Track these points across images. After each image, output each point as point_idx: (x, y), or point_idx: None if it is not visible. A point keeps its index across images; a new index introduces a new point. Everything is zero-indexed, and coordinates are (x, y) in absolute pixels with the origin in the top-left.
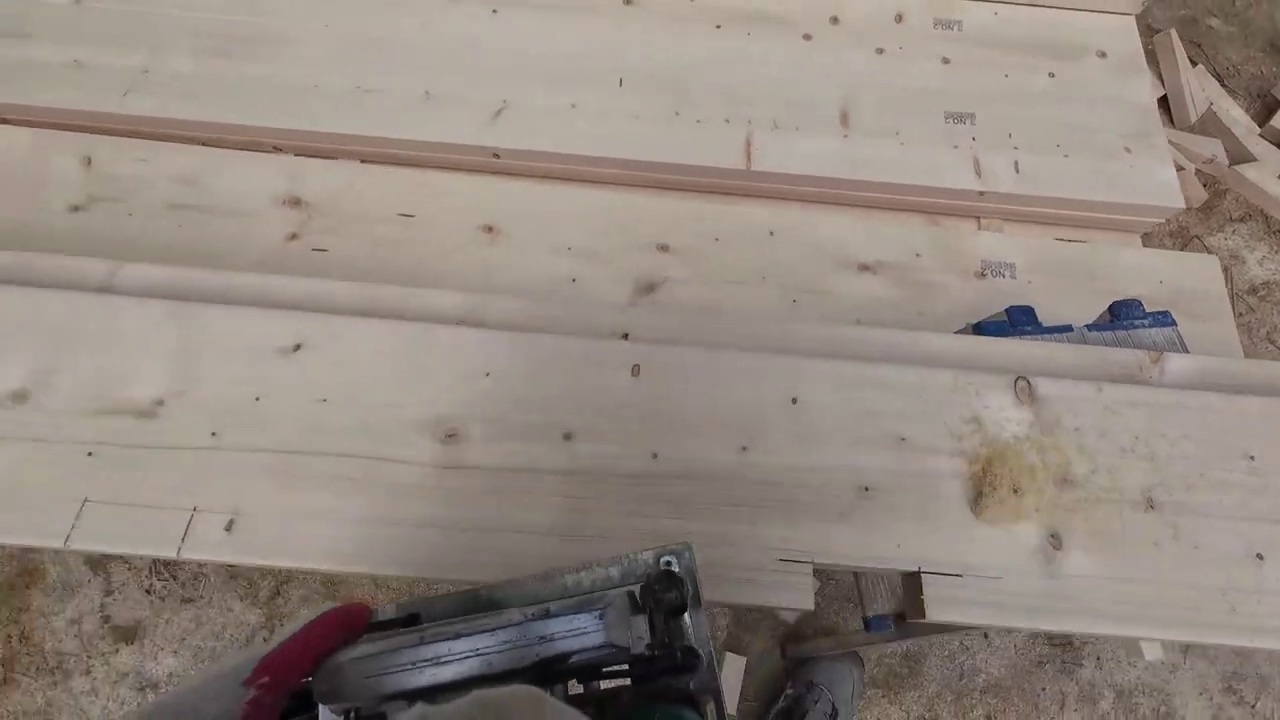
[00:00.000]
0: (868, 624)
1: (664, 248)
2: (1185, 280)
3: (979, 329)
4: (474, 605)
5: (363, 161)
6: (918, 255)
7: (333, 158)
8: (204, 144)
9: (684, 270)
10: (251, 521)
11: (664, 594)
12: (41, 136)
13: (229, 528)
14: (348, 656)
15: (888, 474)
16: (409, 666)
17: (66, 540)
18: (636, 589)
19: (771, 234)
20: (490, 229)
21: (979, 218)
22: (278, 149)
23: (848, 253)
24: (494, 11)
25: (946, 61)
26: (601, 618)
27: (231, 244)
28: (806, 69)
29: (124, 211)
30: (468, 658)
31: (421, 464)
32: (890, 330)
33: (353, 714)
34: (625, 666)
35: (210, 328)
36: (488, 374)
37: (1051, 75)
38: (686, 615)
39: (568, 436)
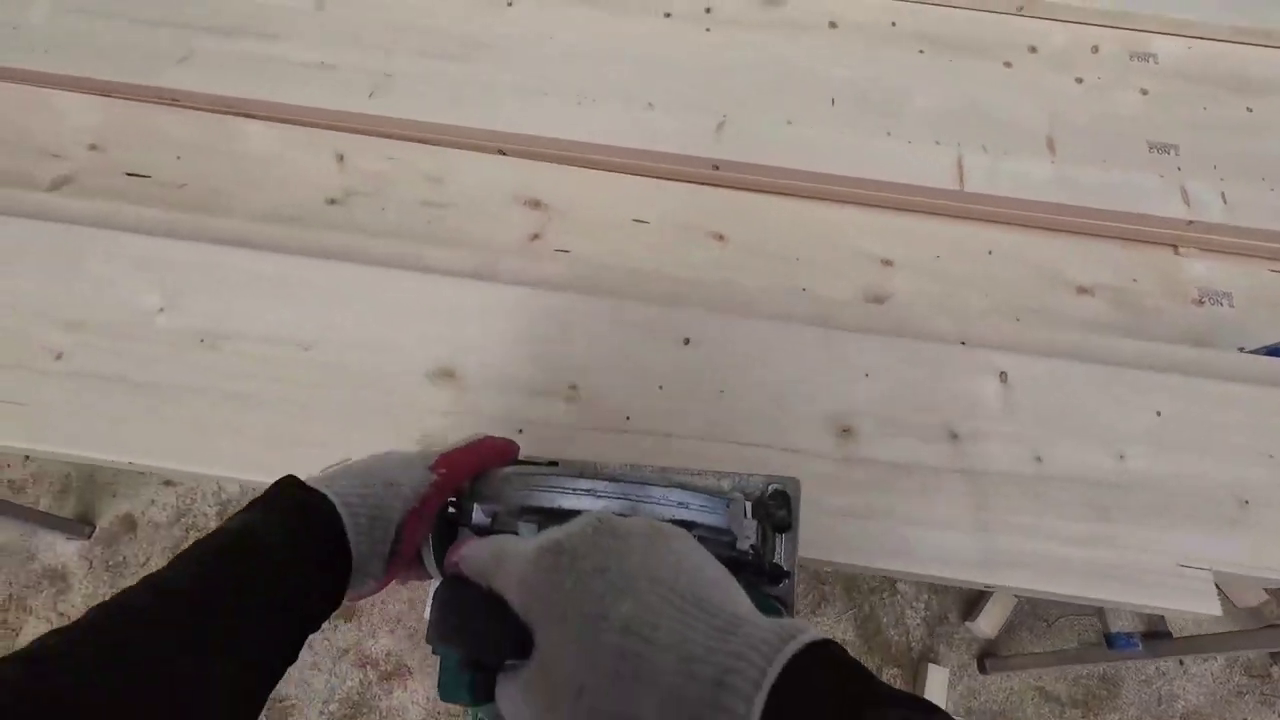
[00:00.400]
0: (1110, 641)
1: (888, 262)
2: None
3: (1271, 351)
4: (598, 474)
5: (579, 167)
6: (1134, 280)
7: (554, 162)
8: (434, 144)
9: (908, 284)
10: None
11: (775, 510)
12: (294, 132)
13: None
14: (512, 469)
15: (1265, 487)
16: (565, 490)
17: None
18: (749, 501)
19: (990, 253)
20: (721, 237)
21: (1175, 245)
22: (503, 152)
23: (1064, 274)
24: (707, 30)
25: (1145, 93)
26: (729, 506)
27: (479, 240)
28: (1010, 95)
29: (377, 206)
30: (616, 498)
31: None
32: (1230, 353)
33: (495, 519)
34: (728, 556)
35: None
36: (866, 374)
37: (1249, 110)
38: (782, 537)
39: (954, 436)
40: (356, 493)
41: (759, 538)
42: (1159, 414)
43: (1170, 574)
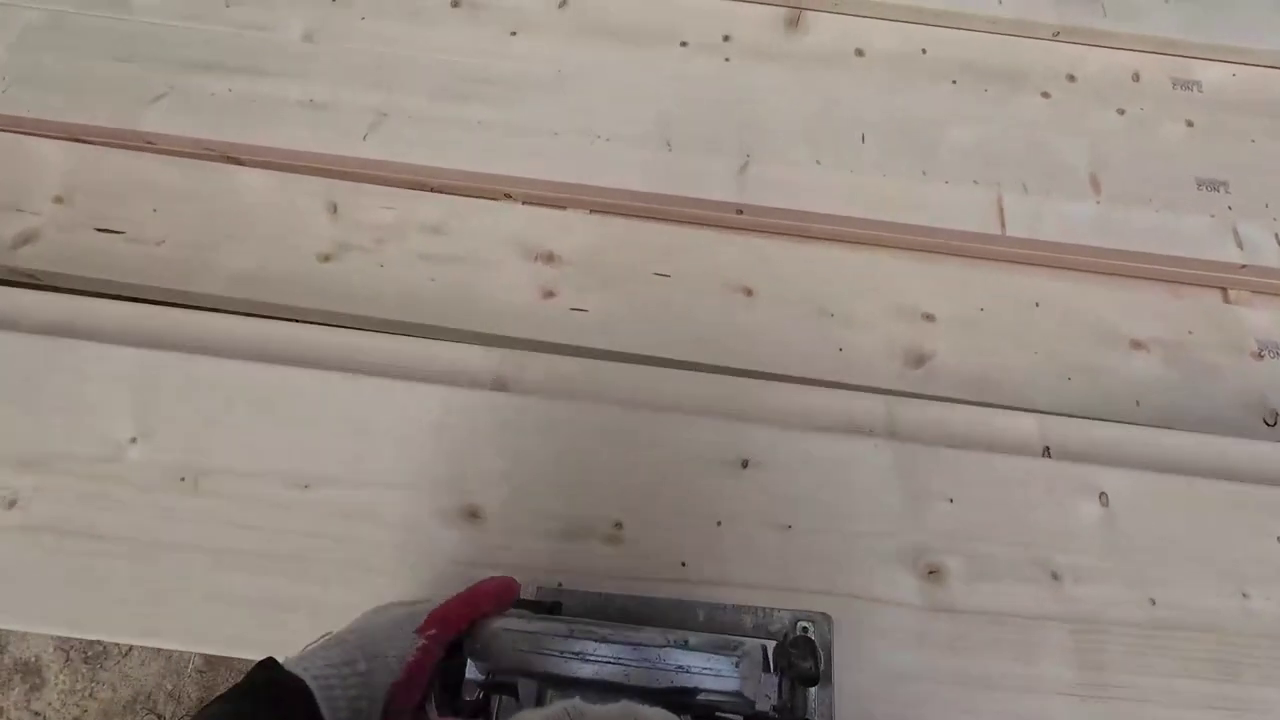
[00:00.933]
0: None
1: (929, 316)
2: None
3: None
4: (605, 610)
5: (591, 212)
6: (1190, 333)
7: (562, 208)
8: (435, 190)
9: (950, 342)
10: None
11: (800, 660)
12: (283, 179)
13: None
14: (501, 624)
15: None
16: (554, 653)
17: None
18: (770, 646)
19: (1036, 305)
20: (749, 291)
21: (1226, 289)
22: (508, 196)
23: (1115, 327)
24: (726, 60)
25: (1190, 124)
26: (738, 665)
27: (487, 301)
28: (1050, 129)
29: (375, 263)
30: (608, 663)
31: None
32: None
33: (491, 675)
34: None
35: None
36: (951, 499)
37: (1190, 125)
38: (812, 690)
39: (1055, 576)
40: (338, 674)
41: (783, 693)
42: None
43: None
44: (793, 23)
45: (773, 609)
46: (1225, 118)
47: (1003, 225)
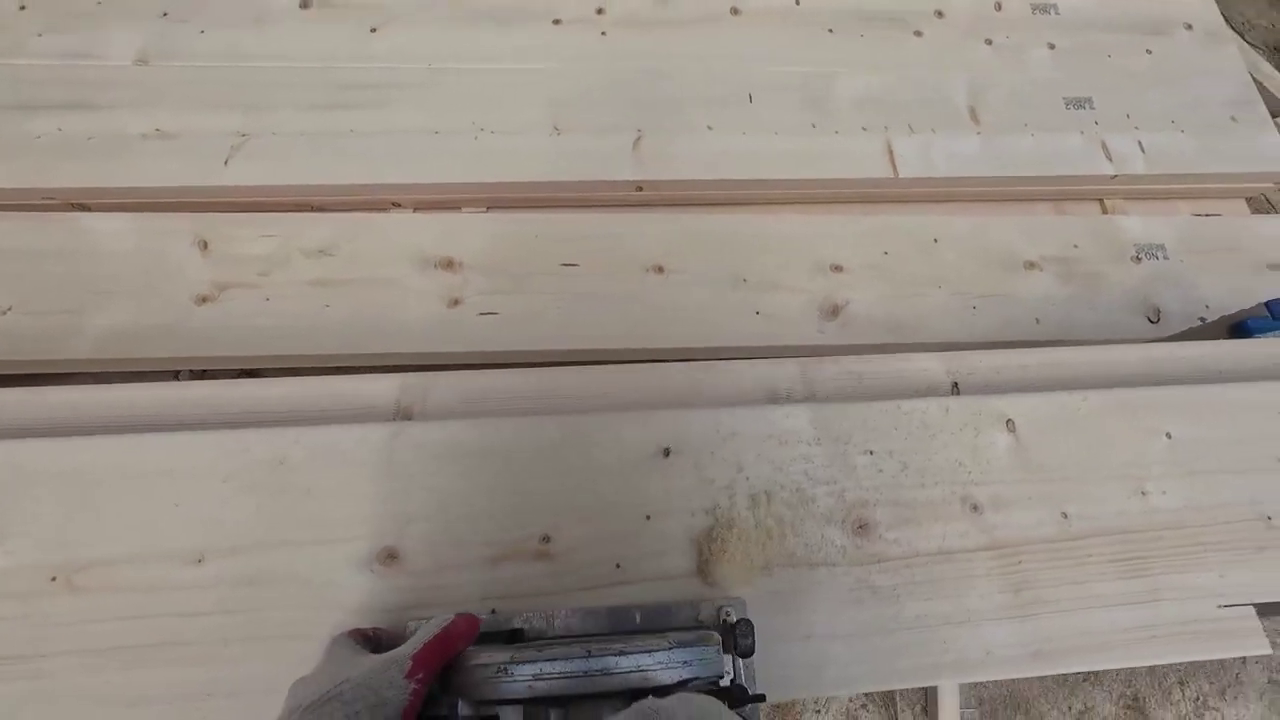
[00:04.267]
0: None
1: (838, 267)
2: None
3: (1241, 328)
4: (545, 631)
5: (489, 209)
6: (1075, 246)
7: (456, 209)
8: (316, 209)
9: (862, 290)
10: None
11: (743, 639)
12: (142, 221)
13: None
14: (480, 659)
15: None
16: (553, 676)
17: None
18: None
19: (935, 241)
20: (660, 269)
21: (1102, 200)
22: (396, 205)
23: (1011, 251)
24: (603, 34)
25: (1053, 47)
26: (718, 653)
27: (389, 321)
28: (927, 68)
29: (260, 297)
30: (630, 672)
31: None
32: (1223, 344)
33: (478, 710)
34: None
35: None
36: (870, 451)
37: (1149, 52)
38: (743, 661)
39: (975, 509)
40: None
41: (733, 668)
42: (1169, 436)
43: (1210, 619)
44: None
45: (698, 601)
46: (1083, 36)
47: (894, 169)
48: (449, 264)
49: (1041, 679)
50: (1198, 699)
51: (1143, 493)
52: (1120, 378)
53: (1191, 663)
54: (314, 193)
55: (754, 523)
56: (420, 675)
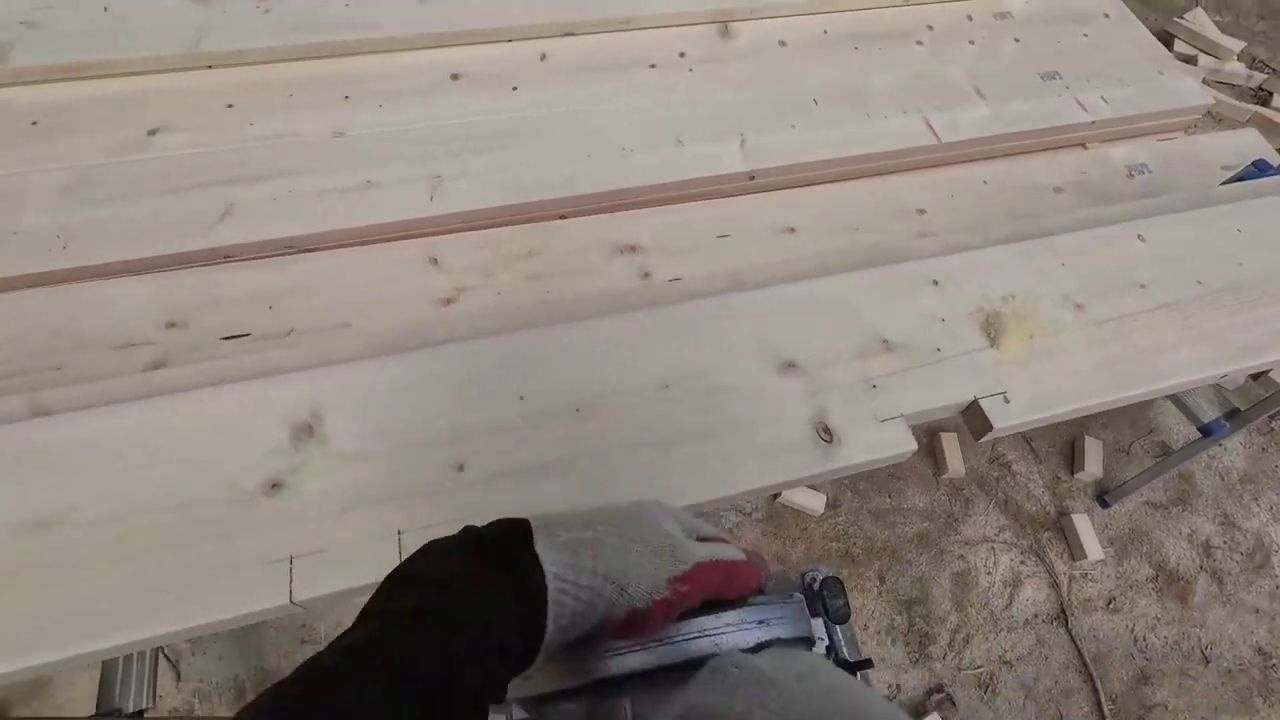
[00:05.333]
0: (1206, 430)
1: (921, 210)
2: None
3: (1240, 179)
4: None
5: (644, 208)
6: (1084, 173)
7: (622, 209)
8: (508, 223)
9: (942, 222)
10: None
11: (833, 600)
12: (377, 252)
13: None
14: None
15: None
16: (630, 648)
17: None
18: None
19: (985, 183)
20: (791, 229)
21: (1084, 144)
22: (562, 216)
23: (1040, 182)
24: (690, 70)
25: (1018, 40)
26: (801, 610)
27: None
28: (934, 64)
29: (492, 292)
30: (695, 638)
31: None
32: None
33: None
34: None
35: None
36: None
37: (1085, 35)
38: (838, 628)
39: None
40: (574, 581)
41: (826, 633)
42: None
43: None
44: (724, 33)
45: (781, 569)
46: (1036, 30)
47: (936, 136)
48: (632, 249)
49: (1152, 516)
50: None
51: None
52: None
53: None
54: (509, 211)
55: None
56: (685, 589)
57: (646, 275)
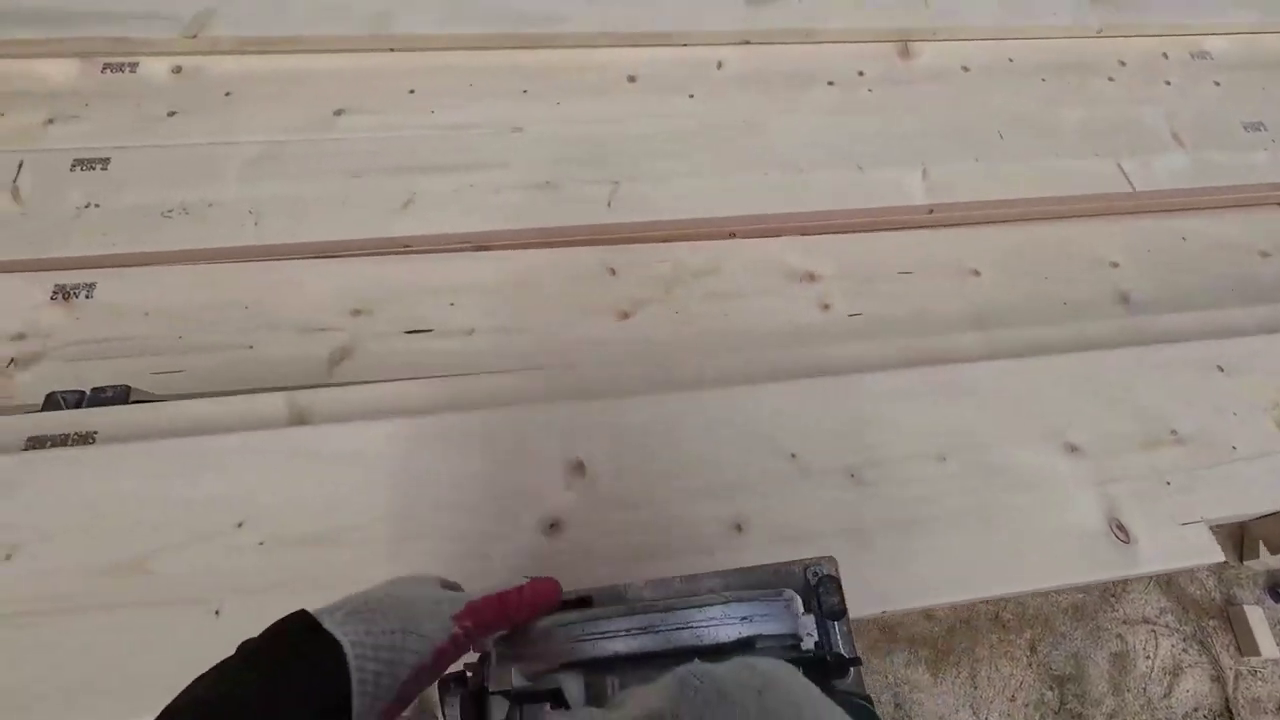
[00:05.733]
0: None
1: (1115, 264)
2: None
3: None
4: (618, 598)
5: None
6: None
7: (779, 235)
8: (679, 239)
9: (1142, 283)
10: None
11: (828, 597)
12: (557, 255)
13: None
14: (550, 621)
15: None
16: (619, 632)
17: None
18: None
19: (1184, 240)
20: (976, 272)
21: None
22: (733, 234)
23: (1245, 245)
24: (869, 90)
25: (1218, 84)
26: (787, 608)
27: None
28: (1127, 104)
29: (669, 310)
30: (676, 629)
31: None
32: None
33: (537, 677)
34: (792, 660)
35: None
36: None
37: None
38: (836, 624)
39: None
40: (373, 645)
41: (818, 631)
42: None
43: None
44: (904, 53)
45: (784, 564)
46: (1239, 75)
47: (1130, 184)
48: (811, 276)
49: None
50: None
51: None
52: None
53: None
54: (685, 225)
55: None
56: (468, 624)
57: (827, 307)
